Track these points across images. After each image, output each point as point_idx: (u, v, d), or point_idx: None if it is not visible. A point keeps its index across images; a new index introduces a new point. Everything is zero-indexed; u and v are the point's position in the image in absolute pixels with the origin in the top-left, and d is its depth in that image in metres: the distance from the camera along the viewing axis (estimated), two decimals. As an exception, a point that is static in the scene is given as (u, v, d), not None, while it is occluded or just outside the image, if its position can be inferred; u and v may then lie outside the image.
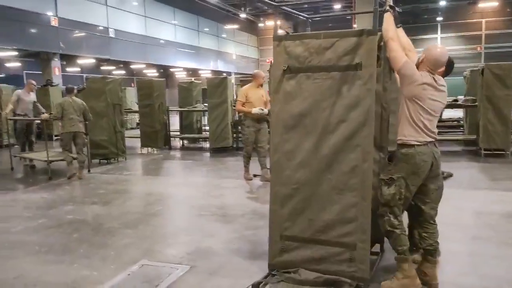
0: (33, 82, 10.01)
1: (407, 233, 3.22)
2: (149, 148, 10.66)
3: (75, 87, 8.53)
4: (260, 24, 32.75)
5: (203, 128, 12.76)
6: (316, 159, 3.17)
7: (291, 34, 3.21)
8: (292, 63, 3.17)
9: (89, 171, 8.15)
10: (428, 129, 3.01)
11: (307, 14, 4.06)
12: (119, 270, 3.60)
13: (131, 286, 3.32)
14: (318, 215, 3.22)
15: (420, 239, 3.18)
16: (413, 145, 2.99)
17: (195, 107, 11.52)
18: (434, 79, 3.01)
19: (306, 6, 26.99)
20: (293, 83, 3.18)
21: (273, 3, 3.37)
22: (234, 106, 10.55)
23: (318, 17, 3.63)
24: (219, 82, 9.90)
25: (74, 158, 7.67)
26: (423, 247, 3.16)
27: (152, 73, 28.16)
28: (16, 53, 17.24)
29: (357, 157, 3.06)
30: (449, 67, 3.22)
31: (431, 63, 3.01)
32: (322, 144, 3.14)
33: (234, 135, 10.52)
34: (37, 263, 3.85)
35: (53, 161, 7.87)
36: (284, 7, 3.64)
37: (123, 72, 27.00)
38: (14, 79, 19.87)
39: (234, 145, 10.56)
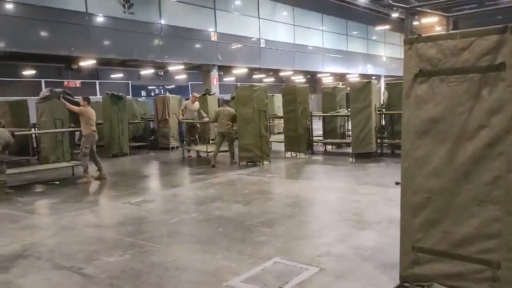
0: (196, 94, 12.13)
1: None
2: (293, 152, 11.04)
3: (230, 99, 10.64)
4: (415, 23, 30.89)
5: (346, 133, 12.67)
6: (452, 167, 2.96)
7: (423, 36, 3.07)
8: (424, 66, 3.02)
9: (233, 160, 10.19)
10: None
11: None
12: (254, 265, 3.90)
13: (263, 280, 3.57)
14: (454, 227, 3.00)
15: None
16: None
17: (338, 112, 11.52)
18: None
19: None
20: (425, 87, 3.03)
21: (404, 5, 3.26)
22: (379, 110, 10.27)
23: (460, 14, 3.31)
24: (362, 86, 9.73)
25: (217, 153, 9.98)
26: None
27: (299, 79, 28.98)
28: (183, 66, 19.65)
29: (500, 167, 2.76)
30: None
31: None
32: (458, 152, 2.92)
33: (379, 140, 10.20)
34: (188, 251, 4.41)
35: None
36: (418, 8, 3.48)
37: (272, 79, 28.41)
38: (181, 90, 22.68)
39: (379, 151, 10.25)
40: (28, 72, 18.69)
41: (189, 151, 11.79)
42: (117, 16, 14.95)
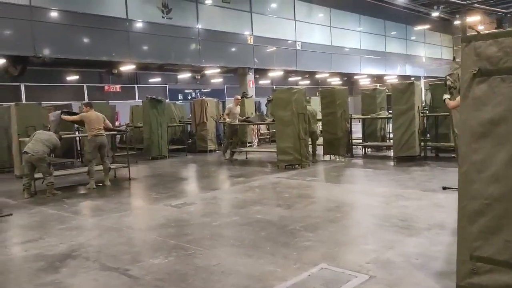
0: (239, 97, 12.18)
1: None
2: (331, 155, 10.86)
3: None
4: (456, 22, 29.88)
5: (386, 136, 12.37)
6: (514, 172, 2.78)
7: (482, 33, 2.90)
8: (483, 65, 2.85)
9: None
10: None
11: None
12: (300, 270, 3.82)
13: (311, 287, 3.48)
14: (517, 236, 2.81)
15: None
16: None
17: (379, 114, 11.24)
18: None
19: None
20: (484, 88, 2.86)
21: (461, 2, 3.10)
22: (422, 112, 9.96)
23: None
24: (405, 87, 9.45)
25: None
26: None
27: (335, 81, 28.63)
28: (219, 70, 19.81)
29: None
30: None
31: None
32: (521, 156, 2.74)
33: (422, 143, 9.87)
34: (231, 254, 4.38)
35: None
36: (476, 5, 3.31)
37: (308, 82, 28.20)
38: (217, 93, 22.90)
39: (422, 154, 9.91)
40: (72, 78, 19.41)
41: (224, 154, 11.77)
42: (156, 21, 15.24)
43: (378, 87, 12.65)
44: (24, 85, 17.66)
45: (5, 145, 10.76)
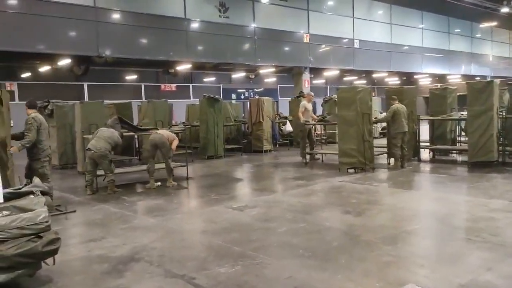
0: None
1: None
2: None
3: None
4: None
5: (457, 139, 11.48)
6: None
7: None
8: None
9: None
10: None
11: None
12: (384, 290, 3.39)
13: (400, 311, 3.05)
14: None
15: None
16: None
17: (450, 116, 10.41)
18: None
19: None
20: None
21: None
22: (500, 114, 9.10)
23: None
24: (482, 87, 8.63)
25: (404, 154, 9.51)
26: None
27: (393, 81, 27.46)
28: (273, 69, 19.49)
29: None
30: None
31: None
32: None
33: (500, 147, 9.00)
34: (303, 266, 4.00)
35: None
36: None
37: (364, 81, 27.25)
38: (270, 93, 22.60)
39: (500, 160, 9.03)
40: (130, 77, 19.87)
41: (304, 157, 10.86)
42: (213, 20, 15.19)
43: (439, 86, 11.77)
44: (87, 84, 18.26)
45: (70, 141, 11.03)
